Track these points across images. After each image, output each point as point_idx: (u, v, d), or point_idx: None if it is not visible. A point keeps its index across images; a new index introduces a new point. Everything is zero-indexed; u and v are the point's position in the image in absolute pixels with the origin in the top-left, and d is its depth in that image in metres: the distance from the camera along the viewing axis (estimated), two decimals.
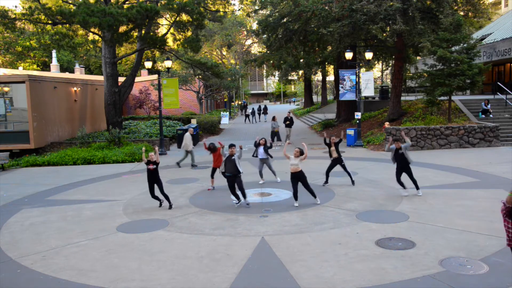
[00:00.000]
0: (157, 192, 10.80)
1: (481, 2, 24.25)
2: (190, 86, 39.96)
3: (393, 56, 26.30)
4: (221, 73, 30.08)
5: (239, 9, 55.16)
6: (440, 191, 11.37)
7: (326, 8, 21.39)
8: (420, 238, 7.84)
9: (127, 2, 24.14)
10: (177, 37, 28.35)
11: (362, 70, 31.98)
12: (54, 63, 44.65)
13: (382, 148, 19.29)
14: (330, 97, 58.50)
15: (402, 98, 25.46)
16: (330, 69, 50.56)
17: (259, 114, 44.88)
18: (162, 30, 34.26)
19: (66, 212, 10.91)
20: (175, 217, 10.02)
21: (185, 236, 8.59)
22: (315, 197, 10.54)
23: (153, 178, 10.61)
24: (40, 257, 7.79)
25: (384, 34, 23.40)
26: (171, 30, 26.78)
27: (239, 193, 10.77)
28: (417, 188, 10.97)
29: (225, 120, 40.41)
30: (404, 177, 10.94)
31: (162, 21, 32.90)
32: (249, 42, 68.16)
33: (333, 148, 12.33)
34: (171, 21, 24.65)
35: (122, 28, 22.43)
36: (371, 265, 6.80)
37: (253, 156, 13.84)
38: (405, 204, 10.23)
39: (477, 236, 7.85)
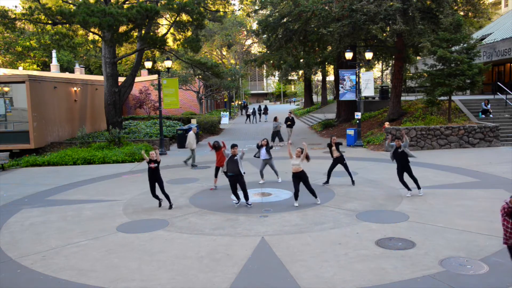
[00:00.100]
0: (157, 191, 10.81)
1: (481, 2, 24.25)
2: (190, 86, 39.96)
3: (393, 56, 26.31)
4: (221, 73, 30.08)
5: (239, 9, 55.19)
6: (440, 191, 11.37)
7: (326, 8, 21.40)
8: (420, 238, 7.84)
9: (127, 2, 24.13)
10: (177, 37, 28.35)
11: (362, 70, 31.99)
12: (54, 63, 44.65)
13: (382, 148, 19.28)
14: (330, 97, 58.50)
15: (402, 98, 25.46)
16: (330, 69, 50.57)
17: (260, 114, 44.89)
18: (162, 30, 34.27)
19: (66, 212, 10.91)
20: (175, 217, 10.02)
21: (185, 236, 8.60)
22: (315, 197, 10.54)
23: (154, 177, 10.62)
24: (40, 257, 7.79)
25: (384, 34, 23.40)
26: (171, 30, 26.78)
27: (240, 193, 10.78)
28: (419, 187, 10.97)
29: (225, 120, 40.41)
30: (405, 177, 10.96)
31: (162, 21, 32.91)
32: (249, 42, 68.17)
33: (334, 148, 12.34)
34: (171, 21, 24.65)
35: (122, 28, 22.43)
36: (371, 265, 6.80)
37: (255, 156, 13.85)
38: (405, 204, 10.23)
39: (477, 236, 7.85)
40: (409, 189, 10.92)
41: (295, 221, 9.25)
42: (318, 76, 60.35)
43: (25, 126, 20.65)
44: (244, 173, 10.54)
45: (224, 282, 6.45)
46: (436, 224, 8.65)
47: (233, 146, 10.62)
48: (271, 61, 27.15)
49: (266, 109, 45.77)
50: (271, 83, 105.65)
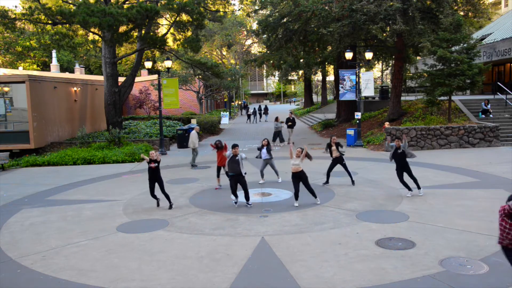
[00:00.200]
0: (157, 191, 10.80)
1: (481, 2, 24.25)
2: (190, 86, 39.96)
3: (393, 56, 26.30)
4: (221, 73, 30.07)
5: (239, 9, 55.19)
6: (440, 191, 11.37)
7: (326, 8, 21.40)
8: (420, 238, 7.84)
9: (127, 2, 24.13)
10: (177, 37, 28.35)
11: (362, 70, 31.98)
12: (54, 63, 44.64)
13: (382, 148, 19.29)
14: (330, 97, 58.51)
15: (402, 98, 25.46)
16: (330, 69, 50.57)
17: (260, 114, 44.90)
18: (162, 30, 34.26)
19: (66, 212, 10.91)
20: (175, 217, 10.02)
21: (185, 236, 8.60)
22: (315, 197, 10.54)
23: (154, 176, 10.61)
24: (40, 257, 7.79)
25: (384, 34, 23.40)
26: (171, 30, 26.78)
27: (239, 193, 10.78)
28: (419, 187, 10.97)
29: (225, 120, 40.41)
30: (405, 177, 10.96)
31: (162, 21, 32.90)
32: (249, 42, 68.17)
33: (334, 147, 12.35)
34: (171, 21, 24.65)
35: (122, 28, 22.43)
36: (371, 265, 6.80)
37: (257, 157, 13.82)
38: (405, 204, 10.23)
39: (477, 236, 7.85)
40: (409, 189, 10.92)
41: (295, 221, 9.25)
42: (318, 76, 60.36)
43: (25, 126, 20.65)
44: (245, 173, 10.56)
45: (224, 282, 6.45)
46: (436, 224, 8.65)
47: (234, 146, 10.62)
48: (271, 61, 27.15)
49: (266, 109, 45.78)
50: (271, 83, 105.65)
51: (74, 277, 6.84)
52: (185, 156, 20.03)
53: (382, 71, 59.75)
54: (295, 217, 9.54)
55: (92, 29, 21.49)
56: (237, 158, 10.45)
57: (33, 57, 52.09)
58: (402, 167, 10.84)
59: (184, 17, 24.11)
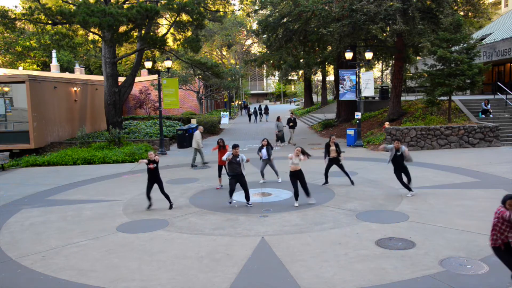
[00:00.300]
0: (154, 192, 10.75)
1: (481, 2, 24.24)
2: (190, 86, 39.96)
3: (393, 56, 26.30)
4: (221, 73, 30.07)
5: (239, 9, 55.19)
6: (440, 191, 11.37)
7: (326, 8, 21.39)
8: (420, 238, 7.84)
9: (127, 2, 24.12)
10: (177, 37, 28.34)
11: (362, 70, 31.98)
12: (54, 63, 44.63)
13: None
14: (330, 97, 58.51)
15: (402, 98, 25.46)
16: (330, 69, 50.57)
17: (260, 114, 44.93)
18: (162, 30, 34.26)
19: (66, 212, 10.91)
20: (175, 217, 10.03)
21: (185, 236, 8.60)
22: (309, 196, 10.54)
23: (154, 177, 10.60)
24: (40, 257, 7.80)
25: (384, 34, 23.40)
26: (171, 30, 26.77)
27: (237, 193, 10.77)
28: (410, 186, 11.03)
29: (225, 120, 40.40)
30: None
31: (162, 21, 32.90)
32: (249, 42, 68.17)
33: (333, 147, 12.34)
34: (171, 21, 24.64)
35: (122, 28, 22.43)
36: (371, 265, 6.80)
37: (265, 159, 13.75)
38: (405, 204, 10.24)
39: (477, 236, 7.85)
40: (410, 189, 10.93)
41: (295, 221, 9.25)
42: (318, 76, 60.36)
43: (25, 126, 20.65)
44: (245, 174, 10.57)
45: (224, 282, 6.45)
46: (436, 224, 8.65)
47: (235, 146, 10.62)
48: (271, 61, 27.13)
49: (267, 109, 45.83)
50: (271, 83, 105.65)
51: (74, 277, 6.85)
52: (185, 156, 20.03)
53: (382, 71, 59.75)
54: (295, 217, 9.54)
55: (92, 29, 21.48)
56: (238, 159, 10.45)
57: (33, 57, 52.08)
58: (401, 169, 10.86)
59: (184, 17, 24.11)
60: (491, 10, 37.82)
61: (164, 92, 22.30)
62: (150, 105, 36.45)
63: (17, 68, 45.22)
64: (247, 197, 10.63)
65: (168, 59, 22.69)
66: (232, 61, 66.89)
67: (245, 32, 62.16)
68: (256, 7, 30.61)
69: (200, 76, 36.88)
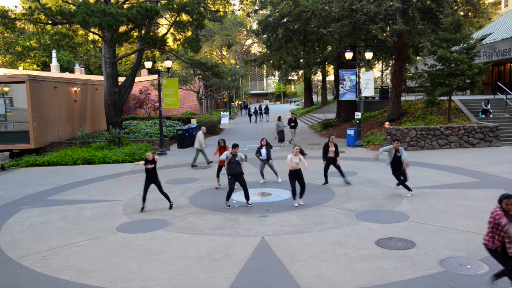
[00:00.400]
0: (153, 193, 10.72)
1: (481, 2, 24.24)
2: (190, 86, 39.96)
3: (393, 56, 26.30)
4: (221, 73, 30.06)
5: (239, 9, 55.19)
6: (440, 191, 11.37)
7: (326, 8, 21.39)
8: (420, 238, 7.84)
9: (127, 2, 24.13)
10: (177, 37, 28.34)
11: (362, 70, 31.98)
12: (54, 63, 44.63)
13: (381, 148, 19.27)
14: (330, 97, 58.51)
15: (402, 98, 25.46)
16: (330, 69, 50.57)
17: (261, 114, 44.95)
18: (162, 30, 34.26)
19: (66, 212, 10.91)
20: (175, 217, 10.02)
21: (185, 236, 8.60)
22: (301, 197, 10.53)
23: (151, 177, 10.58)
24: (40, 257, 7.80)
25: (384, 34, 23.40)
26: (171, 30, 26.77)
27: (239, 193, 10.76)
28: (398, 185, 11.06)
29: (225, 120, 40.39)
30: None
31: (162, 21, 32.90)
32: (249, 42, 68.16)
33: (332, 148, 12.32)
34: (171, 21, 24.64)
35: (122, 28, 22.43)
36: (371, 265, 6.80)
37: (264, 159, 13.74)
38: (405, 204, 10.24)
39: (477, 236, 7.84)
40: (409, 189, 10.93)
41: (295, 221, 9.25)
42: (318, 76, 60.37)
43: (25, 126, 20.65)
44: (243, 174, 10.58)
45: (224, 282, 6.45)
46: (436, 224, 8.65)
47: (234, 146, 10.61)
48: (271, 61, 27.13)
49: (267, 109, 45.87)
50: (271, 83, 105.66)
51: (74, 277, 6.85)
52: (185, 156, 20.04)
53: (382, 71, 59.75)
54: (295, 217, 9.54)
55: (92, 29, 21.49)
56: (237, 158, 10.45)
57: (33, 57, 52.07)
58: (399, 170, 10.86)
59: (184, 17, 24.11)
60: (491, 10, 37.82)
61: (164, 92, 22.30)
62: (150, 105, 36.45)
63: (17, 68, 45.22)
64: (247, 196, 10.63)
65: (168, 59, 22.69)
66: (232, 61, 66.89)
67: (245, 32, 62.17)
68: (256, 7, 30.61)
69: (200, 76, 36.88)
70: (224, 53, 67.91)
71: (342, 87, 22.72)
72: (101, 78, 28.90)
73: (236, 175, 10.46)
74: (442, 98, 20.49)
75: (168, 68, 22.91)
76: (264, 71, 74.67)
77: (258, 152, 13.08)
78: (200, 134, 16.54)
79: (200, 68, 28.10)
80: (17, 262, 7.60)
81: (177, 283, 6.50)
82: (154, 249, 7.95)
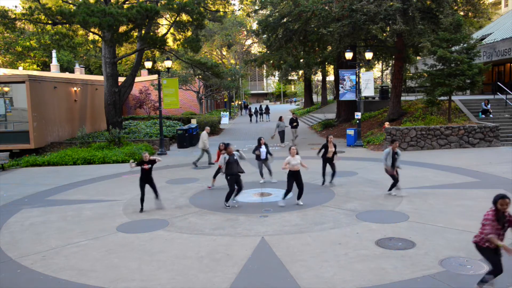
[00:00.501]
0: (149, 194, 10.67)
1: (481, 2, 24.23)
2: (190, 86, 39.95)
3: (393, 56, 26.30)
4: (221, 73, 30.06)
5: (239, 9, 55.19)
6: (440, 191, 11.37)
7: (326, 8, 21.39)
8: (420, 238, 7.84)
9: (127, 2, 24.13)
10: (177, 37, 28.34)
11: (362, 70, 31.97)
12: (54, 63, 44.64)
13: (382, 148, 19.28)
14: (330, 97, 58.51)
15: (402, 98, 25.45)
16: (330, 69, 50.56)
17: (261, 114, 44.96)
18: (162, 30, 34.25)
19: (66, 212, 10.91)
20: (175, 217, 10.02)
21: (185, 236, 8.60)
22: (299, 198, 10.54)
23: (147, 178, 10.54)
24: (40, 257, 7.79)
25: (384, 34, 23.40)
26: (171, 30, 26.77)
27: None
28: (391, 189, 11.11)
29: (225, 120, 40.37)
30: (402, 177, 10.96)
31: (162, 21, 32.89)
32: (249, 42, 68.16)
33: (332, 149, 12.28)
34: (171, 21, 24.64)
35: (122, 28, 22.43)
36: (371, 265, 6.80)
37: (263, 159, 13.73)
38: (405, 204, 10.23)
39: None
40: (391, 188, 11.03)
41: (295, 221, 9.25)
42: (318, 76, 60.36)
43: (25, 126, 20.65)
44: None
45: (224, 282, 6.45)
46: (436, 224, 8.65)
47: (226, 146, 10.59)
48: (271, 61, 27.13)
49: (267, 109, 45.89)
50: (271, 83, 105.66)
51: (74, 277, 6.85)
52: (185, 156, 20.04)
53: (382, 71, 59.75)
54: (295, 217, 9.54)
55: (92, 29, 21.49)
56: (235, 157, 10.45)
57: (33, 57, 52.07)
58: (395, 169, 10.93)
59: (184, 17, 24.11)
60: (491, 10, 37.81)
61: (164, 92, 22.30)
62: (150, 105, 36.45)
63: (17, 68, 45.22)
64: (238, 193, 10.73)
65: (168, 59, 22.69)
66: (232, 61, 66.89)
67: (245, 32, 62.15)
68: (256, 7, 30.60)
69: (200, 76, 36.88)
70: (224, 53, 67.90)
71: (342, 87, 22.72)
72: (101, 78, 28.90)
73: (235, 175, 10.46)
74: (442, 98, 20.49)
75: (168, 68, 22.91)
76: (264, 71, 74.67)
77: (257, 150, 13.04)
78: (204, 134, 16.53)
79: (200, 68, 28.10)
80: (17, 262, 7.60)
81: (177, 283, 6.50)
82: (154, 249, 7.95)
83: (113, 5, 21.27)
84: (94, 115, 27.66)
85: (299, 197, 10.53)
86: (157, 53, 47.09)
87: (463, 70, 18.64)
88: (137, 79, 32.29)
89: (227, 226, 9.16)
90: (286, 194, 10.46)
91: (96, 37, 24.48)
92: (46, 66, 52.21)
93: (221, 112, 44.54)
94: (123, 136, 22.36)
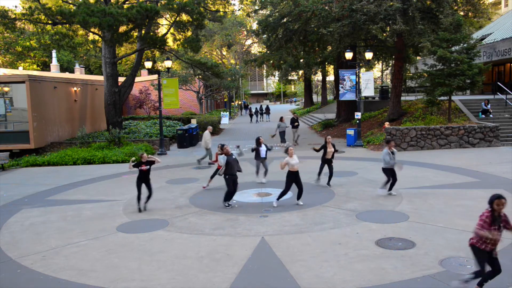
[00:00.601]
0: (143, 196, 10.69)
1: (481, 2, 24.24)
2: (190, 86, 39.95)
3: (393, 56, 26.30)
4: (221, 73, 30.06)
5: (239, 9, 55.19)
6: (440, 191, 11.37)
7: (326, 8, 21.39)
8: (420, 238, 7.84)
9: (127, 2, 24.12)
10: (177, 37, 28.34)
11: (362, 70, 31.97)
12: (54, 63, 44.63)
13: (382, 148, 19.28)
14: (330, 97, 58.51)
15: (402, 98, 25.46)
16: (330, 69, 50.57)
17: (261, 114, 44.96)
18: (162, 30, 34.25)
19: (66, 212, 10.91)
20: (175, 217, 10.02)
21: (185, 236, 8.60)
22: (299, 198, 10.54)
23: (144, 179, 10.54)
24: (40, 257, 7.79)
25: (384, 34, 23.40)
26: (171, 30, 26.77)
27: (236, 194, 10.77)
28: (391, 188, 11.12)
29: (225, 120, 40.36)
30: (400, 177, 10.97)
31: (162, 21, 32.89)
32: (249, 42, 68.16)
33: (331, 150, 12.27)
34: (171, 21, 24.64)
35: (122, 28, 22.43)
36: (371, 265, 6.80)
37: (262, 158, 13.70)
38: (405, 204, 10.23)
39: None
40: (384, 187, 11.04)
41: (295, 221, 9.25)
42: (318, 76, 60.37)
43: (25, 126, 20.65)
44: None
45: (224, 282, 6.45)
46: (436, 224, 8.65)
47: (222, 146, 10.62)
48: (271, 61, 27.13)
49: (268, 109, 45.88)
50: (271, 83, 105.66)
51: (74, 277, 6.85)
52: (185, 156, 20.04)
53: (382, 71, 59.75)
54: (295, 217, 9.54)
55: (92, 29, 21.49)
56: (233, 156, 10.47)
57: (33, 57, 52.07)
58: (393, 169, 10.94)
59: (184, 17, 24.11)
60: (491, 10, 37.81)
61: (164, 92, 22.30)
62: (150, 105, 36.45)
63: (17, 68, 45.22)
64: (234, 193, 10.74)
65: (168, 59, 22.69)
66: (232, 61, 66.89)
67: (245, 32, 62.15)
68: (256, 7, 30.61)
69: (200, 76, 36.87)
70: (224, 53, 67.91)
71: (342, 87, 22.72)
72: (101, 78, 28.90)
73: (233, 175, 10.47)
74: (442, 98, 20.49)
75: (168, 68, 22.92)
76: (264, 71, 74.68)
77: (256, 149, 13.02)
78: (206, 134, 16.60)
79: (200, 68, 28.10)
80: (17, 262, 7.60)
81: (177, 283, 6.50)
82: (154, 249, 7.95)
83: (113, 5, 21.28)
84: (94, 115, 27.66)
85: (299, 197, 10.53)
86: (157, 53, 47.09)
87: (463, 70, 18.64)
88: (137, 79, 32.29)
89: (227, 226, 9.16)
90: (282, 195, 10.45)
91: (96, 37, 24.48)
92: (46, 66, 52.21)
93: (221, 112, 44.54)
94: (123, 136, 22.36)
